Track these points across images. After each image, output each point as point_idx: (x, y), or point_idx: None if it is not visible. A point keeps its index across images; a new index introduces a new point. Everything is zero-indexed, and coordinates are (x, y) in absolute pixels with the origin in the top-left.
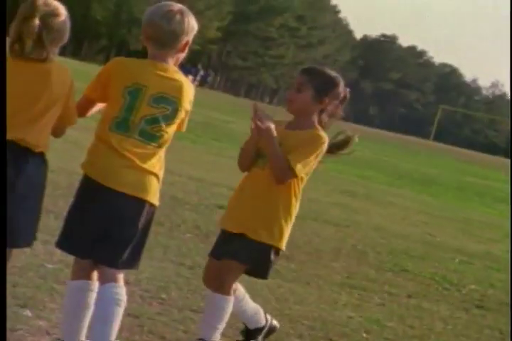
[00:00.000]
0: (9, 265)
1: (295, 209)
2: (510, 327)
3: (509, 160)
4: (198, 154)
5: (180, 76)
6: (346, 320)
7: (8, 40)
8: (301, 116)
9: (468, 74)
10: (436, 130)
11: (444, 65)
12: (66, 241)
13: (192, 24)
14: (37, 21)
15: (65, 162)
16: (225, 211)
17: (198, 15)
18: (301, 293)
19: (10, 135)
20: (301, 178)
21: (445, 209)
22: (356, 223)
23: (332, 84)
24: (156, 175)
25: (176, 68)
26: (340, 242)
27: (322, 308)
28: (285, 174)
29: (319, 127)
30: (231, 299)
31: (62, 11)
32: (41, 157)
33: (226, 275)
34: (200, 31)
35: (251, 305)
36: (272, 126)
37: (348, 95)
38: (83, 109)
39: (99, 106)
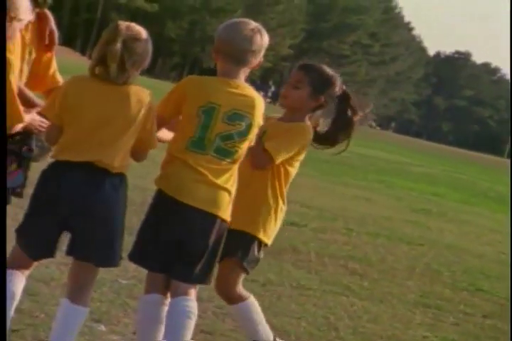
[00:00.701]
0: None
1: (278, 203)
2: (510, 328)
3: None
4: None
5: (252, 91)
6: (421, 339)
7: (91, 63)
8: (294, 112)
9: None
10: (510, 147)
11: None
12: (138, 254)
13: (266, 42)
14: (119, 45)
15: (139, 179)
16: None
17: (270, 32)
18: (375, 311)
19: (86, 156)
20: (285, 171)
21: None
22: (430, 241)
23: (329, 83)
24: (229, 191)
25: (247, 84)
26: (414, 260)
27: (396, 327)
28: (261, 158)
29: (309, 122)
30: (248, 302)
31: (144, 35)
32: (120, 177)
33: (229, 276)
34: (272, 48)
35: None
36: None
37: (348, 93)
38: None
39: (168, 137)
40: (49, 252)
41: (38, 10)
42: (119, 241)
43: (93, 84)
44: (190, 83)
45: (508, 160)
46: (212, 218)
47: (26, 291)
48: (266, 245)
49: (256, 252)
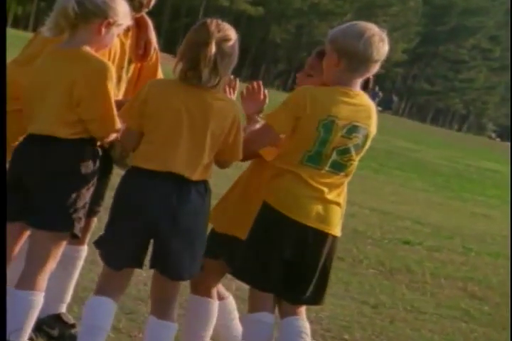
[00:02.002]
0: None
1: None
2: (510, 326)
3: None
4: (381, 184)
5: (368, 100)
6: None
7: (178, 67)
8: None
9: None
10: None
11: None
12: (247, 272)
13: (387, 49)
14: (214, 48)
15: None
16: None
17: None
18: (497, 339)
19: (170, 166)
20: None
21: None
22: None
23: None
24: (341, 206)
25: (362, 92)
26: None
27: None
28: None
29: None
30: (214, 303)
31: (233, 34)
32: (204, 185)
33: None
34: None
35: (238, 328)
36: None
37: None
38: (270, 140)
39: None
40: (135, 261)
41: (135, 14)
42: (201, 252)
43: (179, 89)
44: (309, 94)
45: None
46: (325, 236)
47: (123, 310)
48: None
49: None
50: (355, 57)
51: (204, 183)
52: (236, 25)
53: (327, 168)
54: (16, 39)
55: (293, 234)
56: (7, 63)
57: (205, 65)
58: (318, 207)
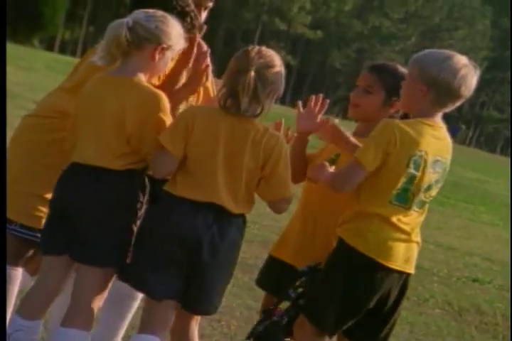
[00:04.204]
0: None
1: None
2: (510, 330)
3: None
4: (447, 218)
5: (446, 133)
6: None
7: (219, 93)
8: (369, 123)
9: None
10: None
11: None
12: (327, 322)
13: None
14: (253, 75)
15: None
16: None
17: None
18: None
19: (211, 197)
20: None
21: None
22: None
23: None
24: (419, 244)
25: (442, 123)
26: None
27: None
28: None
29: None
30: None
31: (277, 61)
32: (243, 218)
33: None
34: None
35: None
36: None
37: None
38: (359, 179)
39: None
40: (176, 293)
41: (189, 35)
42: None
43: (219, 118)
44: (398, 128)
45: None
46: (404, 276)
47: None
48: None
49: None
50: (446, 93)
51: (243, 217)
52: (294, 49)
53: (414, 207)
54: (64, 65)
55: (383, 280)
56: (54, 90)
57: (245, 93)
58: (404, 250)
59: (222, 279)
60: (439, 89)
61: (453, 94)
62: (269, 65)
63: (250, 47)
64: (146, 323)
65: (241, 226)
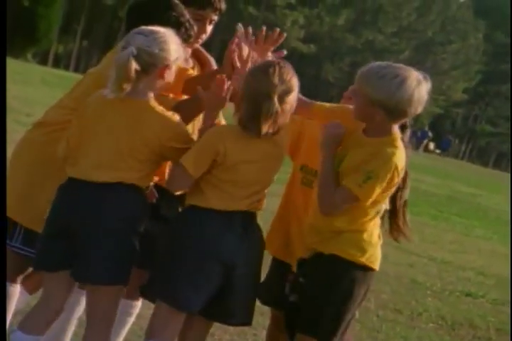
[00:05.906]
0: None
1: None
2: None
3: None
4: (440, 232)
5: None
6: None
7: (238, 114)
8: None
9: None
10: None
11: None
12: (332, 335)
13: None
14: (276, 102)
15: None
16: None
17: (442, 75)
18: None
19: (234, 205)
20: None
21: None
22: None
23: None
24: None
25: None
26: None
27: None
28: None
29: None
30: None
31: (295, 83)
32: (259, 226)
33: None
34: (443, 93)
35: None
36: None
37: None
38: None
39: None
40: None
41: (186, 46)
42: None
43: (245, 140)
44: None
45: None
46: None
47: None
48: None
49: None
50: (400, 115)
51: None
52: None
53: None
54: (59, 79)
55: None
56: (53, 105)
57: (266, 119)
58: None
59: (251, 291)
60: (394, 113)
61: (408, 115)
62: (290, 91)
63: (271, 69)
64: (156, 330)
65: (262, 237)
